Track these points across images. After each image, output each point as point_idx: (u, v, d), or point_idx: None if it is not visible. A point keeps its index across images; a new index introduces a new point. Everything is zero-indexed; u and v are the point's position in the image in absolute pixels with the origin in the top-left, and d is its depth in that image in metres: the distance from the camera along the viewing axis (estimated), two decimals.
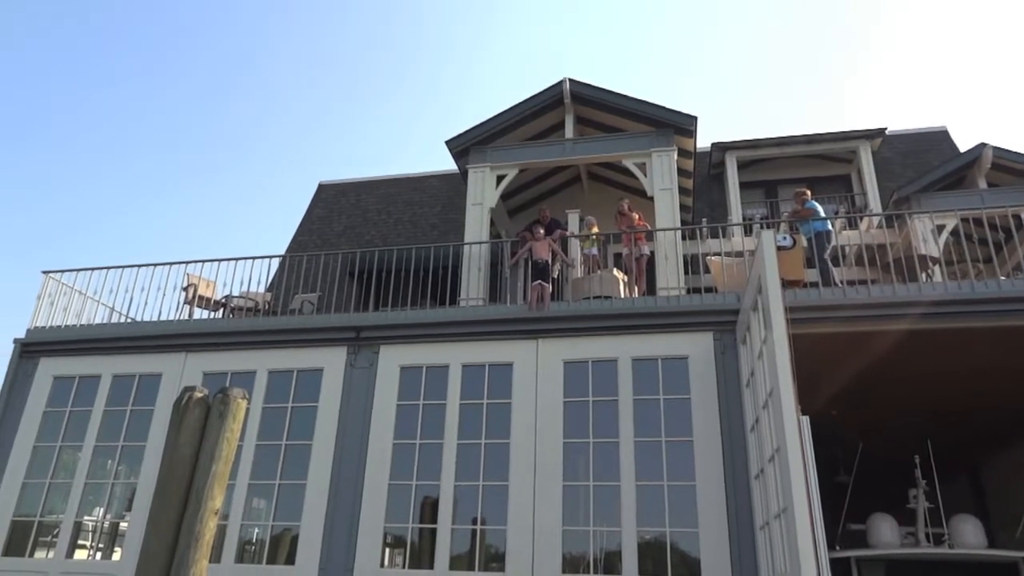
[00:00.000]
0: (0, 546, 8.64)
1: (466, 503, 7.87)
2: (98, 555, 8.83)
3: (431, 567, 7.63)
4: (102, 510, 8.87)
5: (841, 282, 8.77)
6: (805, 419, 5.76)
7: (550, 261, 9.33)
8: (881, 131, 13.98)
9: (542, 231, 9.66)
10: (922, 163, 14.62)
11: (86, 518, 8.87)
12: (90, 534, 8.98)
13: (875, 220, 12.46)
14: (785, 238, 9.68)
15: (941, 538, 8.33)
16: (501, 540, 7.63)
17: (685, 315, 8.27)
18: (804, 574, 5.06)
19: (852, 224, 12.56)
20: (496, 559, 7.64)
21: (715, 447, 7.51)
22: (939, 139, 15.42)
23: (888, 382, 9.12)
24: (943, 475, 10.09)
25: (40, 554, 8.67)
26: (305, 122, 58.10)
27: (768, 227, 10.72)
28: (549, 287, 8.94)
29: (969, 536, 8.19)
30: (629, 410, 7.83)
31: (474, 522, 7.80)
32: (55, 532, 8.66)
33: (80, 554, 8.73)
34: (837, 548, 8.22)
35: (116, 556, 8.62)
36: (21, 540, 8.72)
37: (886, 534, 8.39)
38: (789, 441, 5.53)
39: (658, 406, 7.84)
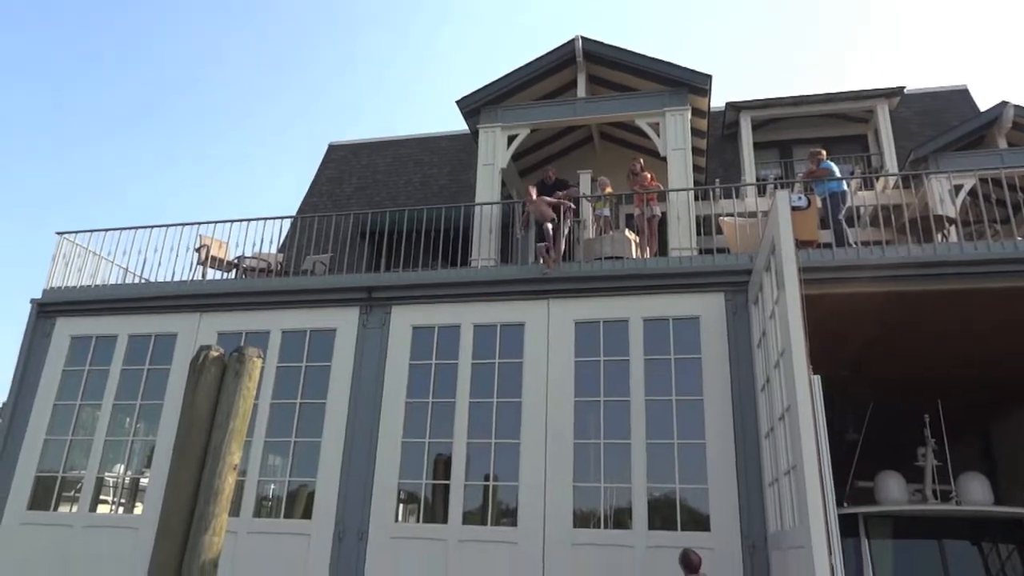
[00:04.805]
0: (25, 500, 8.88)
1: (478, 460, 7.99)
2: (120, 509, 9.06)
3: (445, 522, 7.80)
4: (122, 467, 9.07)
5: (855, 243, 8.71)
6: (816, 378, 5.78)
7: (558, 217, 9.22)
8: (899, 90, 13.71)
9: (534, 191, 9.57)
10: (941, 122, 14.36)
11: (107, 474, 9.07)
12: (111, 489, 9.20)
13: (891, 180, 12.31)
14: (800, 198, 9.58)
15: (949, 495, 8.40)
16: (513, 496, 7.76)
17: (697, 276, 8.26)
18: (812, 530, 5.13)
19: (868, 184, 12.40)
20: (508, 514, 7.79)
21: (725, 406, 7.57)
22: (959, 98, 15.11)
23: (900, 342, 9.10)
24: (953, 434, 10.12)
25: (64, 508, 8.91)
26: (314, 82, 57.57)
27: (782, 187, 10.61)
28: (552, 246, 8.83)
29: (976, 493, 8.23)
30: (640, 370, 7.88)
31: (486, 479, 7.93)
32: (78, 487, 8.88)
33: (103, 508, 8.96)
34: (845, 505, 8.31)
35: (138, 511, 8.84)
36: (45, 495, 8.95)
37: (894, 491, 8.44)
38: (800, 400, 5.56)
39: (669, 366, 7.88)
